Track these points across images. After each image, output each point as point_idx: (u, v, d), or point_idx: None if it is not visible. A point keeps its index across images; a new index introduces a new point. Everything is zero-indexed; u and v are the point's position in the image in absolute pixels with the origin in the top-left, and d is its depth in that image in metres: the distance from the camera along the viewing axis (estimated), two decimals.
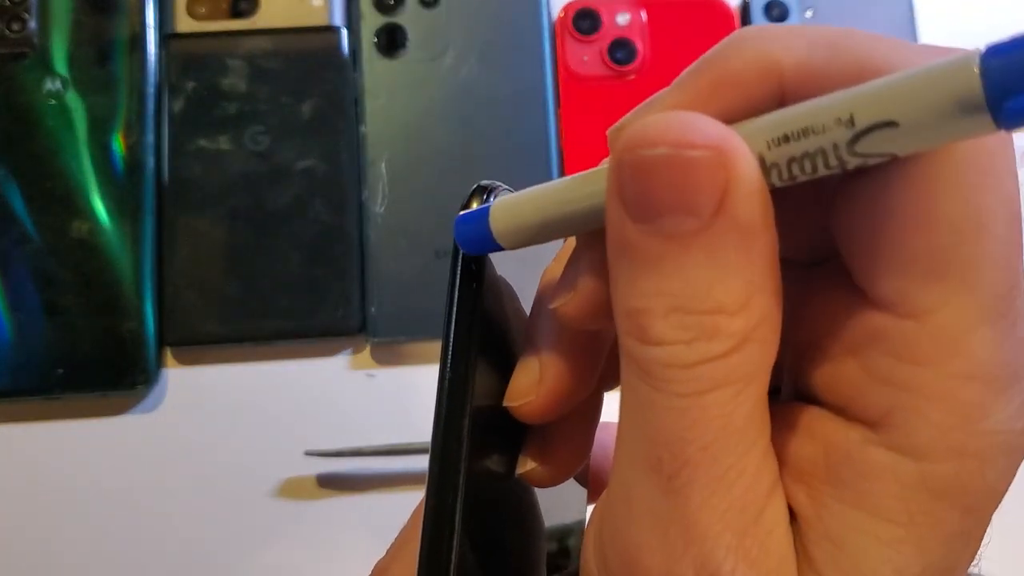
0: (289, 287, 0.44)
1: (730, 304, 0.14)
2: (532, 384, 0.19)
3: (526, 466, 0.20)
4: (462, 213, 0.18)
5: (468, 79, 0.47)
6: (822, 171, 0.13)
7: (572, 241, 0.19)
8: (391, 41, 0.48)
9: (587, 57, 0.49)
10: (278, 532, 0.43)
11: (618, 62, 0.48)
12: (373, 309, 0.45)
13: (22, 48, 0.45)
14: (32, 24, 0.46)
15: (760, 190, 0.14)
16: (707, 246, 0.14)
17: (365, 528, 0.42)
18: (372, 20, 0.48)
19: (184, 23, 0.47)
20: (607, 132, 0.17)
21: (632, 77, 0.48)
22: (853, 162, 0.13)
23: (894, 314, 0.14)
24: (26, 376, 0.43)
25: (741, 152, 0.14)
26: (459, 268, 0.18)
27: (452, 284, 0.18)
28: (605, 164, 0.16)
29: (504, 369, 0.19)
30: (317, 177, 0.46)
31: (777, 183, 0.14)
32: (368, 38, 0.48)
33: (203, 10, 0.47)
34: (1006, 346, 0.14)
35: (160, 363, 0.44)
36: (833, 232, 0.15)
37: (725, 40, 0.15)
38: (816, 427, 0.16)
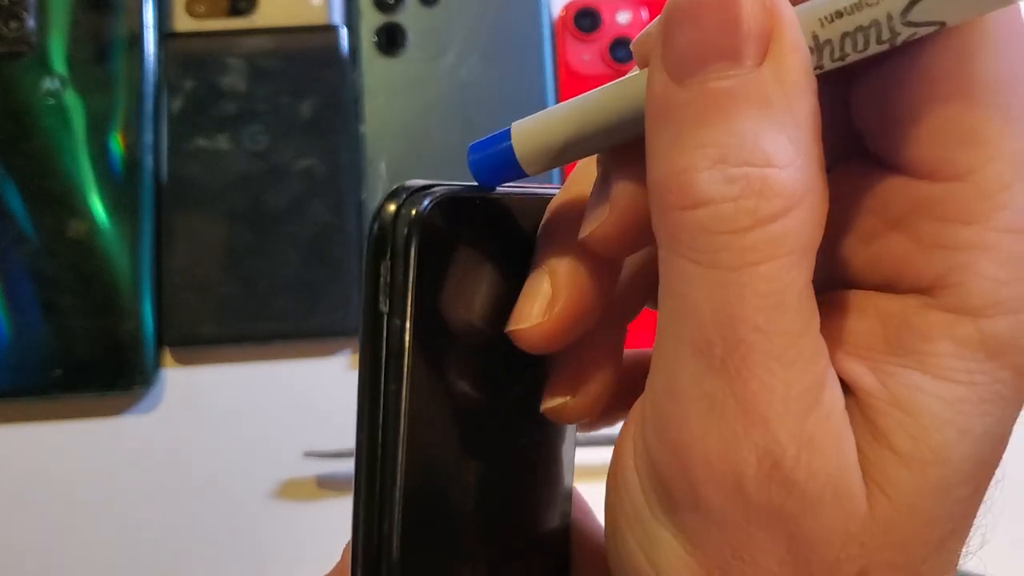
0: (288, 287, 0.44)
1: (779, 157, 0.14)
2: (542, 307, 0.18)
3: (554, 401, 0.19)
4: (477, 141, 0.18)
5: (468, 78, 0.47)
6: (873, 47, 0.14)
7: (583, 169, 0.19)
8: (391, 40, 0.48)
9: (588, 56, 0.48)
10: (278, 533, 0.43)
11: (619, 61, 0.48)
12: None
13: (20, 47, 0.45)
14: (30, 23, 0.45)
15: (805, 49, 0.14)
16: (752, 96, 0.14)
17: None
18: (372, 19, 0.48)
19: (183, 22, 0.47)
20: (631, 45, 0.17)
21: None
22: (904, 33, 0.13)
23: (937, 179, 0.14)
24: (24, 376, 0.43)
25: (786, 5, 0.14)
26: (371, 242, 0.17)
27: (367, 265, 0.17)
28: (631, 74, 0.16)
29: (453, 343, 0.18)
30: (316, 177, 0.45)
31: (828, 63, 0.14)
32: (368, 37, 0.47)
33: (202, 9, 0.47)
34: None
35: (158, 363, 0.44)
36: (857, 120, 0.16)
37: None
38: (866, 305, 0.16)
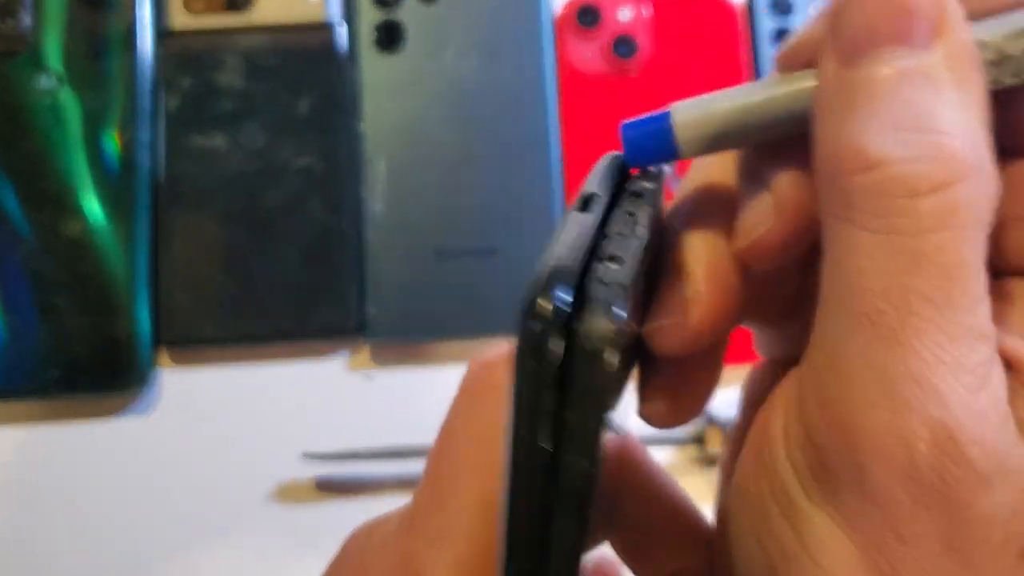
0: (286, 287, 0.44)
1: (952, 127, 0.14)
2: (686, 305, 0.18)
3: (653, 405, 0.19)
4: (632, 119, 0.17)
5: (468, 75, 0.47)
6: None
7: (703, 167, 0.19)
8: (390, 37, 0.47)
9: (589, 53, 0.48)
10: (276, 535, 0.43)
11: (621, 57, 0.48)
12: (372, 309, 0.44)
13: (16, 45, 0.45)
14: (26, 20, 0.45)
15: (971, 38, 0.15)
16: (923, 75, 0.14)
17: None
18: (370, 16, 0.47)
19: (179, 19, 0.47)
20: (776, 55, 0.17)
21: (634, 74, 0.48)
22: None
23: None
24: (19, 377, 0.42)
25: None
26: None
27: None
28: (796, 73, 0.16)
29: None
30: (315, 175, 0.45)
31: (1008, 79, 0.15)
32: (366, 34, 0.47)
33: (199, 5, 0.47)
34: None
35: (155, 364, 0.44)
36: (1001, 112, 0.16)
37: None
38: (1016, 291, 0.16)
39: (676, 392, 0.19)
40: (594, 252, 0.14)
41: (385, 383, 0.45)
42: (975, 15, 0.15)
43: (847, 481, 0.15)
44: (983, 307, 0.14)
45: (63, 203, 0.44)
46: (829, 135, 0.15)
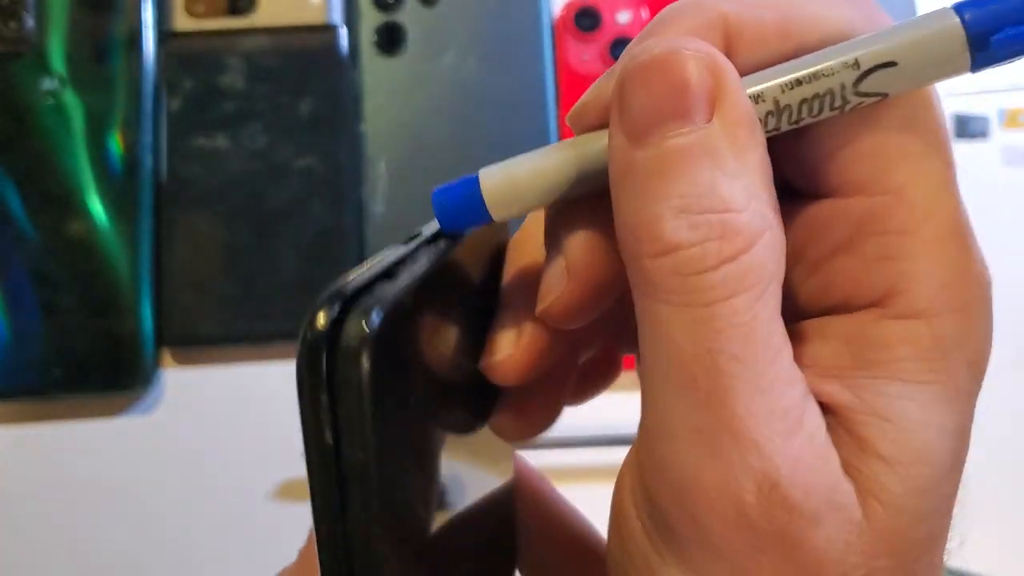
0: (288, 287, 0.44)
1: (735, 203, 0.15)
2: (511, 342, 0.19)
3: (502, 420, 0.21)
4: (442, 186, 0.18)
5: (468, 77, 0.47)
6: (826, 112, 0.16)
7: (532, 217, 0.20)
8: (390, 39, 0.47)
9: (588, 56, 0.48)
10: (277, 534, 0.43)
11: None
12: None
13: (19, 46, 0.45)
14: (29, 22, 0.45)
15: (748, 105, 0.15)
16: (705, 149, 0.15)
17: None
18: (371, 18, 0.48)
19: (182, 21, 0.47)
20: (567, 118, 0.18)
21: None
22: (853, 102, 0.15)
23: (874, 194, 0.16)
24: (23, 377, 0.43)
25: (729, 65, 0.15)
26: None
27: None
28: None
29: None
30: (316, 176, 0.45)
31: (785, 126, 0.16)
32: (367, 36, 0.47)
33: (201, 8, 0.47)
34: (962, 208, 0.16)
35: (157, 363, 0.44)
36: (783, 157, 0.17)
37: (669, 8, 0.17)
38: (826, 330, 0.17)
39: (521, 410, 0.21)
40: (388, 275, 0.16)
41: None
42: (754, 67, 0.16)
43: (689, 537, 0.15)
44: (785, 354, 0.15)
45: (67, 204, 0.44)
46: (625, 216, 0.15)
